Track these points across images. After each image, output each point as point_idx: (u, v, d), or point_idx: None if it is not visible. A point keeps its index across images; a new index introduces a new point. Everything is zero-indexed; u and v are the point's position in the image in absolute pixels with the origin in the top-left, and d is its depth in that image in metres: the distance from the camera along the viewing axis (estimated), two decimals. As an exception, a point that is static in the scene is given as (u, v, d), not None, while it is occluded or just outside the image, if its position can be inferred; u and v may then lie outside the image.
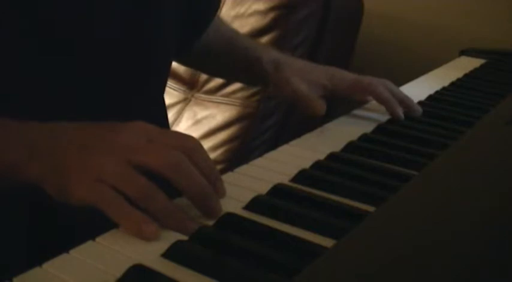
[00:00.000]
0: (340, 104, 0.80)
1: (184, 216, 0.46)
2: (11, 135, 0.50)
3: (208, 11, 0.81)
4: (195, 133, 1.38)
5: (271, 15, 1.33)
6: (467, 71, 1.08)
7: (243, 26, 1.36)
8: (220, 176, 0.51)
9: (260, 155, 0.62)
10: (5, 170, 0.48)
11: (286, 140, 0.67)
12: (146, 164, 0.46)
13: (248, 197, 0.51)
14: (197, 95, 1.41)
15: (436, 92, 0.92)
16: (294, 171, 0.58)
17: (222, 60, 0.85)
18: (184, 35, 0.73)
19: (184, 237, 0.44)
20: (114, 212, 0.44)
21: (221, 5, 1.37)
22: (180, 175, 0.46)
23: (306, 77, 0.76)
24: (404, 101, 0.77)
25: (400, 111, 0.76)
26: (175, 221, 0.45)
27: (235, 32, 0.88)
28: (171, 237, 0.44)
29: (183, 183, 0.46)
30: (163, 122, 0.78)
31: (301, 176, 0.57)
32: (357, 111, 0.80)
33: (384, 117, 0.77)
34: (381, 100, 0.76)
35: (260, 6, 1.35)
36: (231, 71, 0.88)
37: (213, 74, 1.00)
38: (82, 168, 0.46)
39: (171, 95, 1.39)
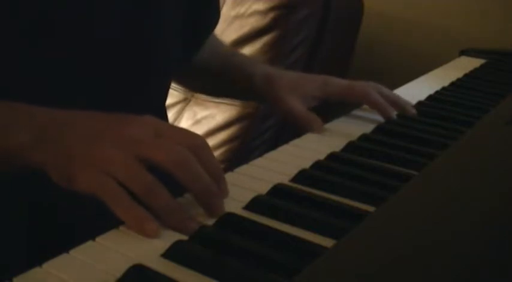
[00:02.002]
0: (339, 104, 0.81)
1: (186, 215, 0.46)
2: (19, 117, 0.50)
3: (209, 19, 0.81)
4: (195, 133, 1.38)
5: (271, 15, 1.33)
6: (467, 71, 1.08)
7: (243, 26, 1.36)
8: (224, 177, 0.51)
9: (260, 155, 0.62)
10: (10, 151, 0.48)
11: (286, 140, 0.67)
12: (152, 158, 0.46)
13: (248, 197, 0.51)
14: (197, 95, 1.41)
15: (436, 92, 0.92)
16: (294, 171, 0.58)
17: (217, 77, 0.86)
18: (185, 41, 0.73)
19: (185, 237, 0.44)
20: (116, 205, 0.44)
21: (221, 5, 1.37)
22: (185, 171, 0.46)
23: (298, 90, 0.76)
24: (396, 103, 0.78)
25: (392, 113, 0.76)
26: (177, 220, 0.45)
27: (228, 48, 0.89)
28: (171, 237, 0.44)
29: (187, 179, 0.46)
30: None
31: (301, 176, 0.57)
32: (357, 112, 0.80)
33: (384, 117, 0.77)
34: (373, 104, 0.76)
35: (260, 6, 1.35)
36: (226, 88, 0.88)
37: (208, 93, 1.00)
38: (88, 157, 0.46)
39: (171, 95, 1.38)
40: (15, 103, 0.51)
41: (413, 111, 0.78)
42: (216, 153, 1.34)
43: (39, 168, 0.47)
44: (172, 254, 0.42)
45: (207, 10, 0.79)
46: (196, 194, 0.47)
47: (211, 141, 1.36)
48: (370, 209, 0.51)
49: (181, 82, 0.93)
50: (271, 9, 1.34)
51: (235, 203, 0.50)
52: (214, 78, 0.87)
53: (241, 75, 0.81)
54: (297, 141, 0.68)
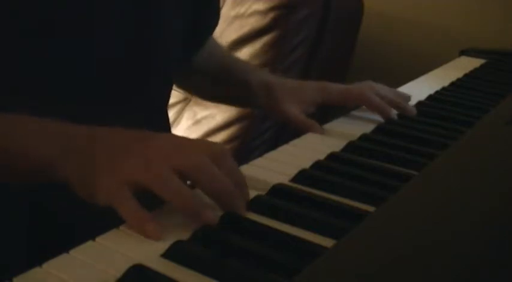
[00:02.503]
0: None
1: (201, 203, 0.46)
2: (47, 131, 0.51)
3: (209, 19, 0.81)
4: (195, 133, 1.38)
5: (271, 15, 1.33)
6: (467, 71, 1.08)
7: (243, 26, 1.36)
8: (246, 183, 0.51)
9: (260, 155, 0.62)
10: (39, 166, 0.49)
11: (286, 140, 0.67)
12: (169, 164, 0.46)
13: (248, 197, 0.51)
14: (197, 95, 1.41)
15: (436, 92, 0.92)
16: (294, 171, 0.58)
17: (215, 82, 0.86)
18: (185, 41, 0.73)
19: (185, 237, 0.44)
20: (119, 204, 0.45)
21: (221, 5, 1.37)
22: (202, 175, 0.47)
23: (296, 97, 0.77)
24: (393, 102, 0.78)
25: (392, 113, 0.76)
26: (189, 208, 0.46)
27: (226, 52, 0.89)
28: (171, 237, 0.44)
29: (205, 182, 0.47)
30: (164, 123, 0.78)
31: (301, 176, 0.57)
32: (356, 112, 0.80)
33: (384, 117, 0.77)
34: (372, 107, 0.77)
35: (260, 6, 1.35)
36: (224, 94, 0.89)
37: (207, 98, 1.01)
38: (108, 173, 0.47)
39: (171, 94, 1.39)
40: (42, 118, 0.51)
41: (410, 107, 0.78)
42: (216, 153, 1.34)
43: (64, 182, 0.48)
44: (172, 254, 0.42)
45: (207, 10, 0.79)
46: (216, 197, 0.48)
47: (211, 141, 1.35)
48: (370, 209, 0.51)
49: (181, 86, 0.93)
50: (271, 9, 1.34)
51: (235, 203, 0.50)
52: (212, 83, 0.87)
53: (239, 82, 0.82)
54: (297, 141, 0.68)
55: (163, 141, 0.49)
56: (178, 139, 0.51)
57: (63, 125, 0.51)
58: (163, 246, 0.43)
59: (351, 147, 0.66)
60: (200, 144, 0.51)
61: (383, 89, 0.79)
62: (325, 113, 0.74)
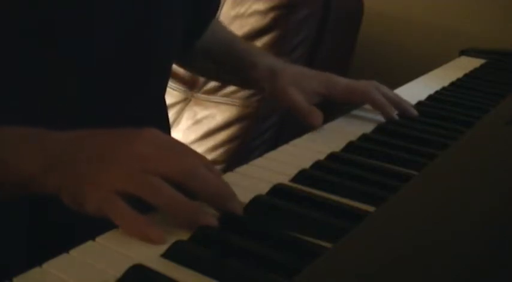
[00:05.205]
0: (339, 104, 0.81)
1: (197, 207, 0.46)
2: (28, 145, 0.50)
3: (209, 10, 0.81)
4: (195, 133, 1.38)
5: (271, 15, 1.33)
6: (467, 71, 1.08)
7: (243, 26, 1.36)
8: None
9: (260, 155, 0.62)
10: (22, 180, 0.49)
11: (286, 140, 0.67)
12: (160, 171, 0.46)
13: (248, 197, 0.51)
14: (197, 95, 1.41)
15: (436, 92, 0.92)
16: (294, 171, 0.58)
17: (219, 63, 0.86)
18: (184, 34, 0.73)
19: (184, 237, 0.44)
20: (115, 216, 0.44)
21: (221, 5, 1.37)
22: (196, 179, 0.46)
23: (301, 85, 0.76)
24: (399, 104, 0.77)
25: (394, 113, 0.76)
26: (185, 212, 0.45)
27: (232, 35, 0.88)
28: (171, 237, 0.44)
29: (200, 186, 0.46)
30: (164, 123, 0.78)
31: (301, 176, 0.57)
32: (357, 112, 0.80)
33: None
34: (376, 105, 0.76)
35: (260, 6, 1.35)
36: (228, 75, 0.88)
37: (211, 78, 1.00)
38: (96, 179, 0.46)
39: (171, 95, 1.39)
40: (22, 129, 0.50)
41: (415, 112, 0.78)
42: (216, 153, 1.34)
43: (53, 194, 0.47)
44: (172, 254, 0.42)
45: (207, 8, 0.79)
46: (211, 200, 0.47)
47: (211, 141, 1.36)
48: (370, 209, 0.51)
49: (182, 66, 0.92)
50: (271, 9, 1.34)
51: (235, 203, 0.50)
52: (216, 65, 0.86)
53: (243, 61, 0.81)
54: (297, 141, 0.68)
55: (153, 146, 0.48)
56: (166, 142, 0.50)
57: (44, 135, 0.50)
58: (163, 246, 0.43)
59: (351, 147, 0.66)
60: (186, 147, 0.50)
61: (387, 89, 0.79)
62: (326, 112, 0.74)
